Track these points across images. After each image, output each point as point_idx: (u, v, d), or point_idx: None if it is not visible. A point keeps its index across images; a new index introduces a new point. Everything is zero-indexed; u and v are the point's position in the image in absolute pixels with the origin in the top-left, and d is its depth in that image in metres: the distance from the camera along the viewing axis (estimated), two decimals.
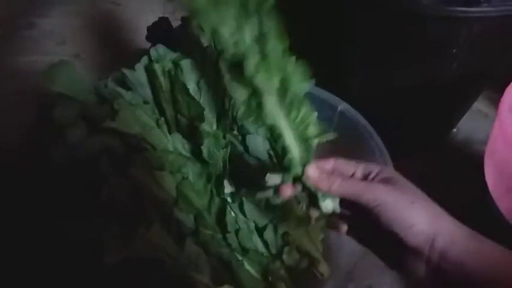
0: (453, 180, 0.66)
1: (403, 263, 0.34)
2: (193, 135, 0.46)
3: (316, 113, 0.55)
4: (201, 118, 0.45)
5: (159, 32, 0.55)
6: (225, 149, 0.46)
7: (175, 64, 0.47)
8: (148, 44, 0.54)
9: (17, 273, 0.49)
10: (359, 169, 0.39)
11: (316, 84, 0.58)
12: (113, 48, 0.96)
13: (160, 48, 0.48)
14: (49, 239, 0.43)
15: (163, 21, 0.57)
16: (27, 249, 0.47)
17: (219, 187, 0.47)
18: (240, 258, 0.46)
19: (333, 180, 0.36)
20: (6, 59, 0.95)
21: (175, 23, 0.57)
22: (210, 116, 0.47)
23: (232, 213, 0.47)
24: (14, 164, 0.65)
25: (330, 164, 0.40)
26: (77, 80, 0.49)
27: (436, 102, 0.61)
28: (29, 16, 1.07)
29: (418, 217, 0.33)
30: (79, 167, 0.43)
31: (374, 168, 0.38)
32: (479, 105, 0.78)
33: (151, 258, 0.41)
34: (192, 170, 0.46)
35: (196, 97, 0.47)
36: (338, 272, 0.48)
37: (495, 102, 0.50)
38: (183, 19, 0.54)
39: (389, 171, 0.38)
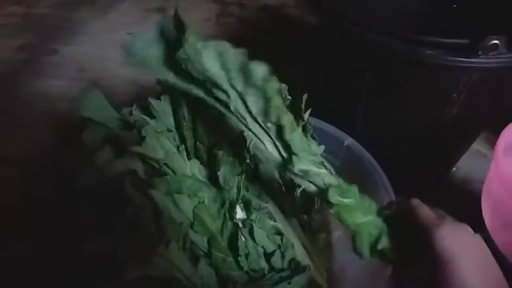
0: (453, 213, 0.68)
1: None
2: (210, 162, 0.50)
3: (323, 147, 0.58)
4: (219, 146, 0.49)
5: None
6: (239, 176, 0.49)
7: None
8: None
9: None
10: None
11: (324, 119, 0.62)
12: (129, 77, 1.01)
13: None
14: (74, 257, 0.45)
15: None
16: (55, 266, 0.50)
17: (232, 212, 0.50)
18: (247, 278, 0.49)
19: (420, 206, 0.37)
20: (28, 82, 1.00)
21: None
22: (227, 144, 0.51)
23: (243, 238, 0.50)
24: (35, 181, 0.69)
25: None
26: (103, 106, 0.53)
27: (436, 143, 0.64)
28: (53, 43, 1.13)
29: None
30: (105, 189, 0.46)
31: (425, 226, 0.36)
32: (478, 146, 0.81)
33: (167, 277, 0.44)
34: (207, 195, 0.49)
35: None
36: None
37: (493, 143, 0.54)
38: None
39: (438, 236, 0.34)
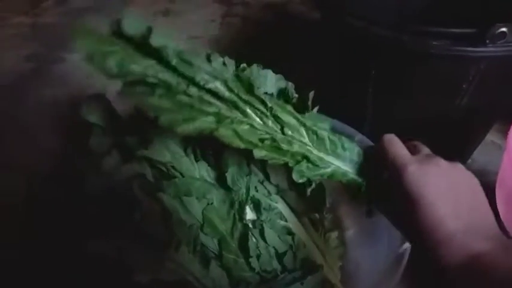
0: None
1: None
2: (218, 163, 0.50)
3: None
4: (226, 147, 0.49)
5: None
6: (248, 177, 0.49)
7: None
8: None
9: None
10: None
11: (332, 116, 0.62)
12: None
13: None
14: (82, 261, 0.46)
15: None
16: (62, 271, 0.50)
17: (242, 213, 0.49)
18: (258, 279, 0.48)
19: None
20: (36, 90, 1.01)
21: None
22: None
23: (254, 239, 0.50)
24: (43, 187, 0.69)
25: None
26: (109, 111, 0.53)
27: (448, 136, 0.63)
28: (60, 51, 1.14)
29: (448, 216, 0.33)
30: (112, 193, 0.46)
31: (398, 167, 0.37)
32: (493, 137, 0.80)
33: (178, 280, 0.44)
34: (216, 196, 0.49)
35: None
36: None
37: (507, 134, 0.53)
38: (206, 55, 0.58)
39: (412, 175, 0.36)
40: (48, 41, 1.20)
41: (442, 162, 0.36)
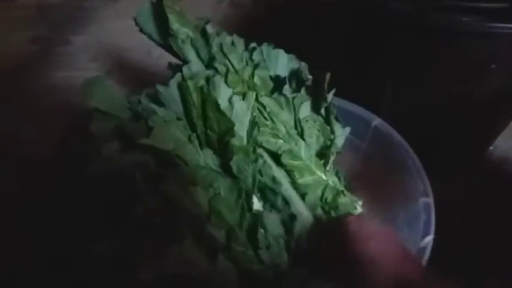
0: (491, 197, 0.64)
1: None
2: (223, 151, 0.46)
3: (349, 128, 0.54)
4: (231, 133, 0.46)
5: None
6: (254, 164, 0.46)
7: (208, 80, 0.47)
8: None
9: None
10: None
11: (350, 99, 0.58)
12: (143, 65, 0.99)
13: (193, 65, 0.49)
14: (82, 254, 0.43)
15: None
16: (59, 263, 0.48)
17: (249, 202, 0.46)
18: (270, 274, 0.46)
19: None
20: (42, 73, 1.00)
21: None
22: (240, 131, 0.47)
23: (262, 230, 0.47)
24: (44, 176, 0.68)
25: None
26: (111, 95, 0.50)
27: (473, 120, 0.59)
28: (65, 33, 1.12)
29: None
30: (113, 182, 0.43)
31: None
32: None
33: (184, 274, 0.41)
34: (223, 185, 0.46)
35: (228, 113, 0.48)
36: None
37: None
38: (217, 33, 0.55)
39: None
40: (54, 23, 1.17)
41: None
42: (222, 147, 0.46)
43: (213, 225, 0.44)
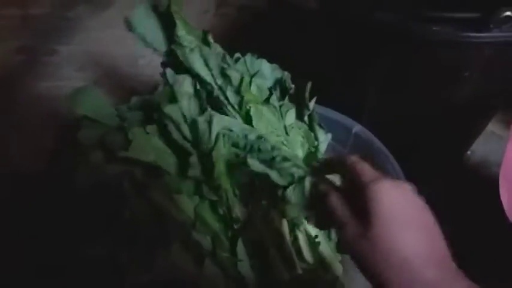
0: (469, 200, 0.66)
1: None
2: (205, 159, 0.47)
3: (330, 135, 0.56)
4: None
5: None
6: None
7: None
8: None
9: None
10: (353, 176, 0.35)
11: (332, 107, 0.60)
12: (130, 74, 0.99)
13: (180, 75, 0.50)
14: (72, 261, 0.44)
15: None
16: (50, 270, 0.49)
17: (232, 213, 0.47)
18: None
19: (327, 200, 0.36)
20: (27, 84, 0.99)
21: None
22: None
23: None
24: (34, 186, 0.68)
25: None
26: (100, 103, 0.51)
27: (449, 125, 0.61)
28: (50, 43, 1.12)
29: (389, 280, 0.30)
30: (101, 190, 0.44)
31: (362, 185, 0.34)
32: (494, 127, 0.78)
33: (171, 279, 0.42)
34: (207, 194, 0.46)
35: None
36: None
37: (509, 124, 0.51)
38: None
39: (375, 191, 0.33)
40: (39, 33, 1.17)
41: (409, 188, 0.35)
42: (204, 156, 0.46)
43: (198, 231, 0.45)
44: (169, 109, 0.45)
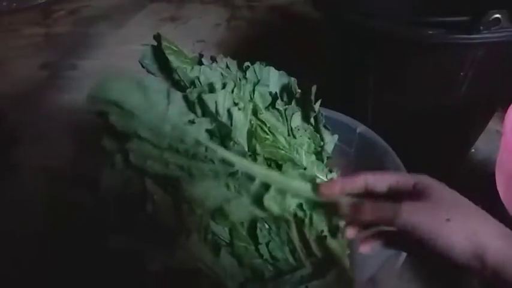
0: (472, 198, 0.68)
1: (456, 276, 0.35)
2: None
3: (337, 136, 0.59)
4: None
5: None
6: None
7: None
8: None
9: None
10: (392, 182, 0.37)
11: (336, 109, 0.63)
12: None
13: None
14: (99, 252, 0.48)
15: None
16: (80, 261, 0.53)
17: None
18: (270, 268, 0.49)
19: (363, 209, 0.36)
20: (51, 97, 1.05)
21: None
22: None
23: (266, 225, 0.51)
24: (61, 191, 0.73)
25: (359, 181, 0.39)
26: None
27: (450, 125, 0.64)
28: (72, 58, 1.18)
29: (456, 236, 0.31)
30: (126, 187, 0.48)
31: (407, 180, 0.36)
32: (497, 125, 0.80)
33: (189, 268, 0.46)
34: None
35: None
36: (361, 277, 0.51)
37: None
38: (211, 58, 0.61)
39: (424, 180, 0.36)
40: (61, 50, 1.24)
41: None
42: None
43: (216, 222, 0.49)
44: None
